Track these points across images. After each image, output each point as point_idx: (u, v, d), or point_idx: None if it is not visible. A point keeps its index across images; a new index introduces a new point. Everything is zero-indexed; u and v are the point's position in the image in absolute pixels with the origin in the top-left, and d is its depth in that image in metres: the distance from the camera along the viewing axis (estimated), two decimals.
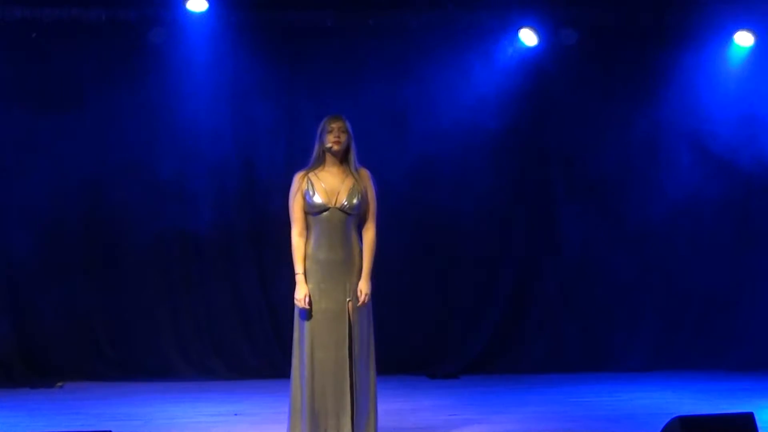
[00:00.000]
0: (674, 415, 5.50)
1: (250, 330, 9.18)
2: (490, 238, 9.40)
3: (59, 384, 8.75)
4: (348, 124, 6.28)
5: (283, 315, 7.00)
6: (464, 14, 9.06)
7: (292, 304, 6.28)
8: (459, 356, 9.32)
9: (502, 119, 9.28)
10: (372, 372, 6.31)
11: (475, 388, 8.69)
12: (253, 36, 8.93)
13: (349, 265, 6.24)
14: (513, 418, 7.47)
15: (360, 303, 6.20)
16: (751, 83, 9.43)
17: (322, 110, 6.78)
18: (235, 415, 7.63)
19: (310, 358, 6.16)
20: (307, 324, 6.20)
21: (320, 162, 6.29)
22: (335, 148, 6.24)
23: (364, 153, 6.42)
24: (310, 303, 6.19)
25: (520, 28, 9.13)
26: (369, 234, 6.32)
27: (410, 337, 9.25)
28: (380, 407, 6.43)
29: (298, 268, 6.23)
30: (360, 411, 6.19)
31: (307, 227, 6.27)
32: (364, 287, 6.23)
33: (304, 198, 6.24)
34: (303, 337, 6.21)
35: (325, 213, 6.22)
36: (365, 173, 6.33)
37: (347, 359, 6.16)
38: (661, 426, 5.53)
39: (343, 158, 6.29)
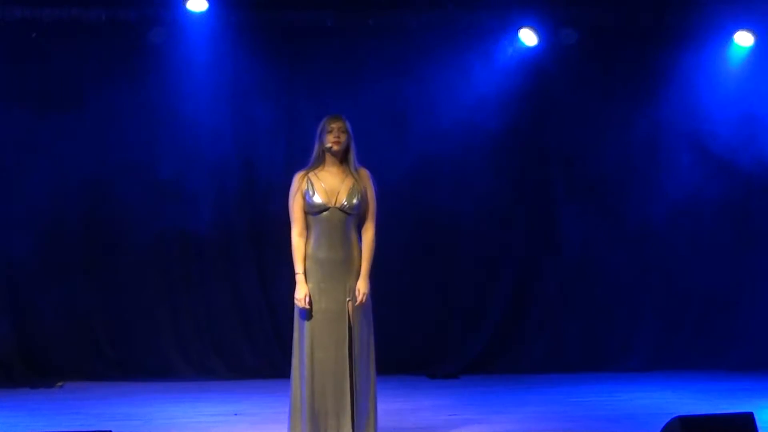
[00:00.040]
0: (674, 415, 5.50)
1: (250, 330, 9.18)
2: (490, 238, 9.39)
3: (59, 384, 8.75)
4: (348, 124, 6.28)
5: (283, 315, 7.00)
6: (464, 14, 9.06)
7: (292, 304, 6.28)
8: (459, 356, 9.32)
9: (502, 119, 9.28)
10: (372, 372, 6.31)
11: (475, 388, 8.69)
12: (253, 36, 8.93)
13: (348, 265, 6.24)
14: (513, 418, 7.47)
15: (358, 302, 6.20)
16: (751, 83, 9.43)
17: (322, 110, 6.78)
18: (235, 415, 7.63)
19: (310, 358, 6.16)
20: (307, 324, 6.20)
21: (320, 162, 6.30)
22: (335, 148, 6.25)
23: (364, 153, 6.43)
24: (310, 303, 6.19)
25: (520, 28, 9.13)
26: (368, 234, 6.32)
27: (410, 337, 9.25)
28: (380, 407, 6.43)
29: (298, 267, 6.23)
30: (360, 411, 6.19)
31: (307, 227, 6.27)
32: (362, 287, 6.23)
33: (303, 198, 6.24)
34: (303, 337, 6.21)
35: (324, 213, 6.22)
36: (365, 173, 6.33)
37: (347, 359, 6.16)
38: (661, 426, 5.53)
39: (342, 158, 6.30)
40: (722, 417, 5.57)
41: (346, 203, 6.22)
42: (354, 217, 6.27)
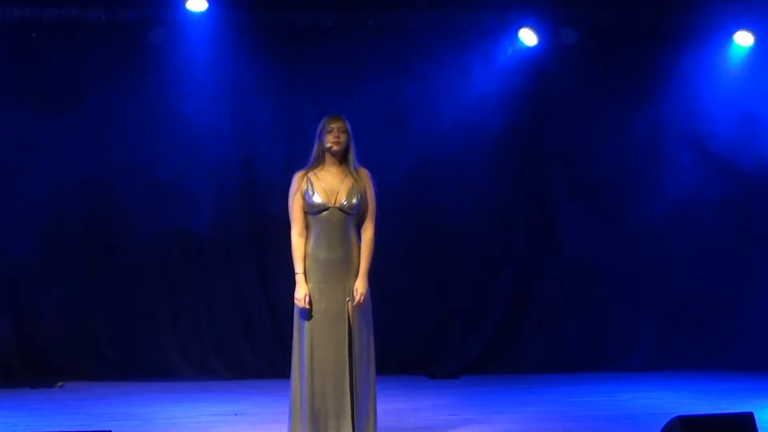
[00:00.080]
0: (674, 415, 5.50)
1: (250, 330, 9.18)
2: (490, 238, 9.39)
3: (59, 384, 8.75)
4: (347, 124, 6.28)
5: (283, 315, 7.00)
6: (464, 14, 9.06)
7: (292, 304, 6.28)
8: (459, 356, 9.32)
9: (502, 119, 9.28)
10: (372, 372, 6.32)
11: (475, 388, 8.69)
12: (253, 36, 8.93)
13: (348, 265, 6.25)
14: (513, 418, 7.47)
15: (356, 302, 6.20)
16: (751, 83, 9.43)
17: (322, 110, 6.80)
18: (235, 414, 7.63)
19: (309, 358, 6.17)
20: (306, 324, 6.20)
21: (320, 162, 6.30)
22: (335, 148, 6.25)
23: (364, 153, 6.43)
24: (310, 303, 6.19)
25: (520, 28, 9.13)
26: (367, 233, 6.32)
27: (410, 337, 9.25)
28: (380, 407, 6.43)
29: (298, 267, 6.23)
30: (360, 411, 6.19)
31: (307, 227, 6.27)
32: (360, 287, 6.23)
33: (303, 198, 6.24)
34: (303, 336, 6.22)
35: (324, 212, 6.22)
36: (364, 173, 6.33)
37: (347, 359, 6.16)
38: (661, 426, 5.53)
39: (342, 158, 6.30)
40: (722, 417, 5.57)
41: (345, 203, 6.22)
42: (353, 216, 6.28)
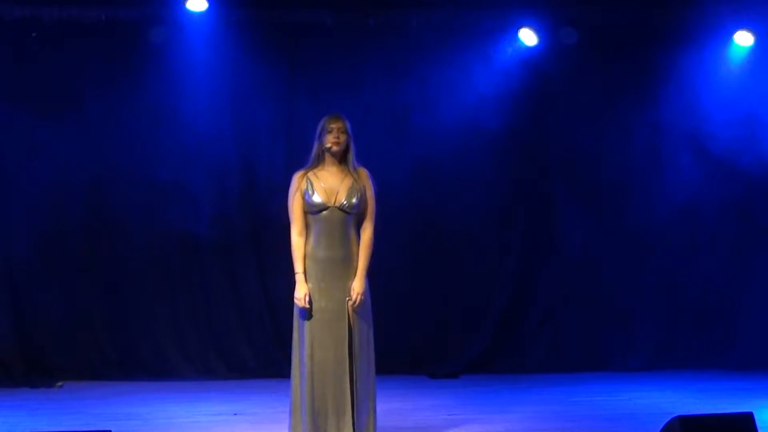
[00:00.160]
0: (674, 415, 5.50)
1: (250, 330, 9.17)
2: (490, 238, 9.39)
3: (59, 384, 8.74)
4: (347, 124, 6.28)
5: (283, 315, 6.99)
6: (464, 14, 9.06)
7: (292, 304, 6.28)
8: (459, 356, 9.32)
9: (502, 119, 9.27)
10: (372, 371, 6.32)
11: (475, 387, 8.69)
12: (253, 35, 8.93)
13: (348, 265, 6.25)
14: (513, 418, 7.47)
15: (353, 302, 6.19)
16: (751, 83, 9.43)
17: (322, 110, 6.78)
18: (235, 414, 7.63)
19: (309, 357, 6.17)
20: (306, 323, 6.20)
21: (319, 161, 6.31)
22: (334, 148, 6.25)
23: (364, 153, 6.43)
24: (310, 302, 6.19)
25: (520, 28, 9.13)
26: (366, 233, 6.32)
27: (410, 337, 9.25)
28: (381, 407, 6.43)
29: (298, 267, 6.23)
30: (360, 410, 6.19)
31: (307, 226, 6.28)
32: (357, 286, 6.22)
33: (303, 197, 6.24)
34: (303, 336, 6.22)
35: (324, 212, 6.22)
36: (364, 173, 6.34)
37: (347, 358, 6.16)
38: (661, 426, 5.53)
39: (342, 158, 6.30)
40: (722, 417, 5.57)
41: (345, 202, 6.23)
42: (353, 216, 6.28)
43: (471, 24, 9.13)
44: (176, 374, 9.00)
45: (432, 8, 9.00)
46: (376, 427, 6.33)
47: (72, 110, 8.86)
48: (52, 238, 8.88)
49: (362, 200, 6.28)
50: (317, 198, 6.22)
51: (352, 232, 6.29)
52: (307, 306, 6.19)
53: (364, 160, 6.40)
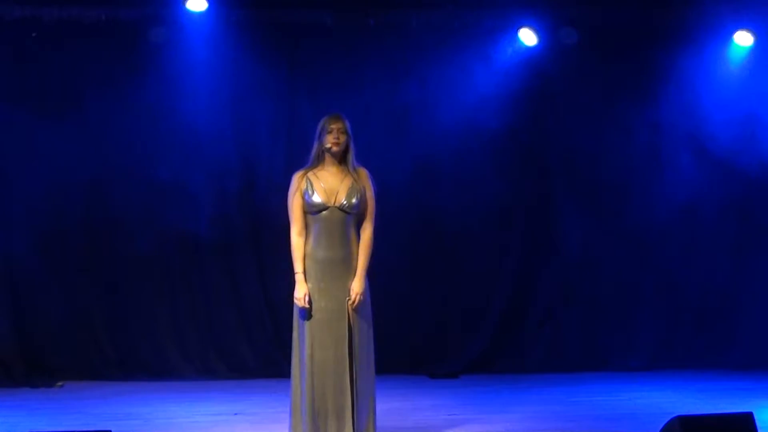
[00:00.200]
0: (674, 415, 5.50)
1: (250, 330, 9.17)
2: (490, 238, 9.39)
3: (59, 384, 8.75)
4: (347, 124, 6.28)
5: (283, 315, 7.00)
6: (464, 14, 9.06)
7: (292, 304, 6.28)
8: (459, 356, 9.32)
9: (502, 119, 9.28)
10: (372, 371, 6.32)
11: (475, 387, 8.69)
12: (253, 35, 8.93)
13: (348, 264, 6.25)
14: (513, 418, 7.47)
15: (351, 302, 6.19)
16: (751, 83, 9.43)
17: (322, 110, 6.77)
18: (235, 414, 7.63)
19: (310, 357, 6.17)
20: (306, 323, 6.21)
21: (319, 161, 6.31)
22: (334, 149, 6.25)
23: (364, 153, 6.43)
24: (309, 302, 6.19)
25: (520, 28, 9.13)
26: (366, 233, 6.32)
27: (410, 337, 9.25)
28: (381, 406, 6.44)
29: (298, 267, 6.24)
30: (360, 410, 6.19)
31: (307, 226, 6.28)
32: (356, 286, 6.22)
33: (303, 197, 6.24)
34: (303, 336, 6.22)
35: (324, 212, 6.22)
36: (364, 173, 6.34)
37: (347, 358, 6.16)
38: (661, 425, 5.53)
39: (341, 158, 6.30)
40: (722, 417, 5.57)
41: (345, 202, 6.23)
42: (353, 216, 6.28)
43: (471, 24, 9.13)
44: (176, 374, 9.00)
45: (432, 8, 9.00)
46: (376, 426, 6.33)
47: (72, 110, 8.86)
48: (52, 238, 8.88)
49: (362, 200, 6.28)
50: (317, 198, 6.22)
51: (352, 232, 6.29)
52: (307, 306, 6.19)
53: (364, 160, 6.40)
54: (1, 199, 8.85)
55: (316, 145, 6.31)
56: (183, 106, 8.95)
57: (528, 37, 9.17)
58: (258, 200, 9.07)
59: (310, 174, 6.28)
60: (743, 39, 9.25)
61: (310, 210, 6.24)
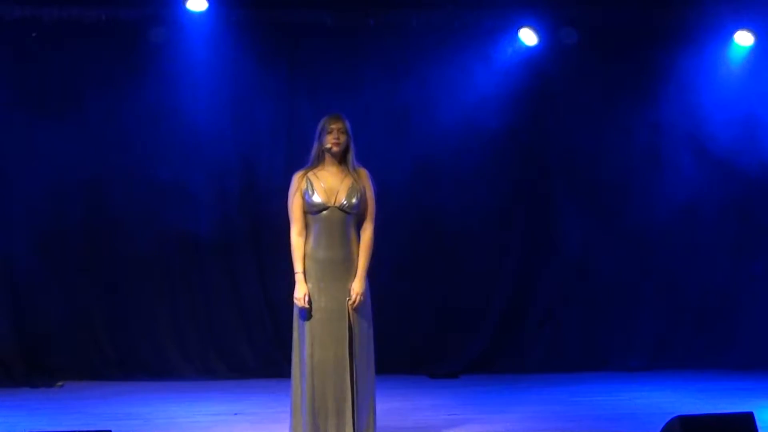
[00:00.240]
0: (674, 415, 5.50)
1: (250, 330, 9.17)
2: (489, 238, 9.39)
3: (59, 384, 8.74)
4: (347, 124, 6.28)
5: (283, 315, 7.00)
6: (464, 14, 9.06)
7: (292, 304, 6.28)
8: (459, 356, 9.32)
9: (502, 119, 9.28)
10: (372, 371, 6.32)
11: (475, 387, 8.69)
12: (253, 35, 8.93)
13: (348, 264, 6.25)
14: (513, 418, 7.47)
15: (352, 302, 6.19)
16: (751, 83, 9.43)
17: (322, 110, 6.78)
18: (235, 414, 7.63)
19: (310, 357, 6.17)
20: (307, 323, 6.21)
21: (319, 161, 6.31)
22: (334, 149, 6.25)
23: (364, 153, 6.43)
24: (309, 302, 6.19)
25: (520, 28, 9.13)
26: (366, 234, 6.32)
27: (410, 337, 9.25)
28: (381, 406, 6.44)
29: (298, 267, 6.24)
30: (360, 410, 6.19)
31: (307, 226, 6.28)
32: (357, 287, 6.22)
33: (303, 197, 6.24)
34: (303, 336, 6.22)
35: (324, 212, 6.22)
36: (364, 173, 6.34)
37: (347, 358, 6.16)
38: (661, 425, 5.53)
39: (341, 158, 6.30)
40: (722, 417, 5.57)
41: (345, 202, 6.23)
42: (353, 216, 6.28)
43: (471, 24, 9.13)
44: (176, 374, 9.00)
45: (432, 8, 9.00)
46: (376, 426, 6.33)
47: (72, 110, 8.86)
48: (52, 238, 8.88)
49: (362, 200, 6.28)
50: (317, 198, 6.22)
51: (352, 232, 6.30)
52: (307, 306, 6.19)
53: (364, 160, 6.40)
54: (1, 199, 8.85)
55: (316, 145, 6.31)
56: (183, 106, 8.95)
57: (528, 37, 9.17)
58: (258, 200, 9.07)
59: (310, 174, 6.28)
60: (743, 39, 9.26)
61: (311, 210, 6.24)
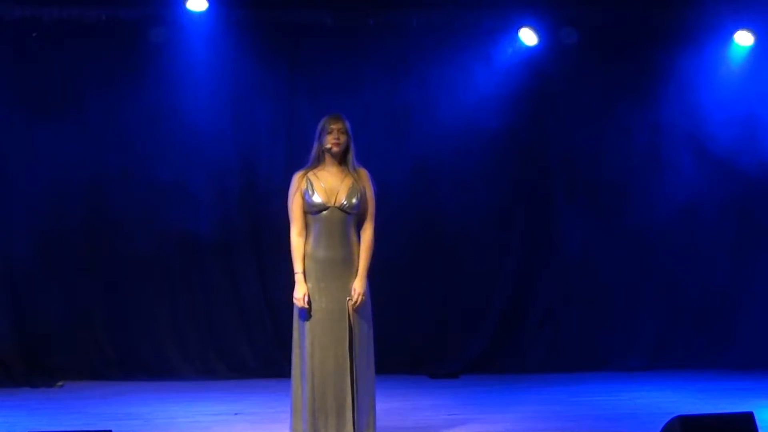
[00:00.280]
0: (674, 415, 5.50)
1: (250, 330, 9.17)
2: (489, 237, 9.39)
3: (59, 384, 8.74)
4: (347, 125, 6.28)
5: (283, 315, 7.00)
6: (464, 14, 9.06)
7: (292, 304, 6.28)
8: (459, 356, 9.32)
9: (502, 119, 9.28)
10: (372, 371, 6.32)
11: (475, 387, 8.69)
12: (253, 35, 8.93)
13: (348, 264, 6.25)
14: (513, 418, 7.47)
15: (353, 302, 6.20)
16: (751, 83, 9.43)
17: (322, 110, 6.78)
18: (235, 414, 7.63)
19: (310, 357, 6.17)
20: (307, 323, 6.21)
21: (319, 161, 6.31)
22: (335, 149, 6.25)
23: (364, 153, 6.43)
24: (309, 302, 6.19)
25: (520, 28, 9.13)
26: (366, 234, 6.32)
27: (410, 337, 9.25)
28: (381, 406, 6.44)
29: (297, 267, 6.24)
30: (360, 410, 6.20)
31: (307, 226, 6.28)
32: (358, 287, 6.23)
33: (303, 197, 6.24)
34: (303, 336, 6.22)
35: (324, 212, 6.22)
36: (364, 173, 6.34)
37: (347, 358, 6.17)
38: (662, 425, 5.53)
39: (342, 158, 6.30)
40: (722, 416, 5.57)
41: (345, 202, 6.23)
42: (354, 216, 6.28)
43: (471, 24, 9.13)
44: (176, 374, 9.00)
45: (432, 8, 9.00)
46: (376, 426, 6.33)
47: (72, 110, 8.85)
48: (52, 238, 8.88)
49: (362, 200, 6.28)
50: (317, 198, 6.22)
51: (352, 232, 6.30)
52: (306, 306, 6.19)
53: (364, 160, 6.40)
54: (1, 199, 8.84)
55: (316, 146, 6.31)
56: (183, 106, 8.95)
57: (528, 37, 9.16)
58: (258, 200, 9.07)
59: (310, 174, 6.28)
60: (743, 39, 9.25)
61: (311, 210, 6.24)
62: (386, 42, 9.09)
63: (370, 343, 6.32)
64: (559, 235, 9.47)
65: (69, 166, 8.88)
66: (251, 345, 9.16)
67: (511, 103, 9.30)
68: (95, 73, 8.89)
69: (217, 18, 8.84)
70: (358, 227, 6.33)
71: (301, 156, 6.52)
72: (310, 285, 6.22)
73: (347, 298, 6.21)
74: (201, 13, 8.76)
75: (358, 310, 6.22)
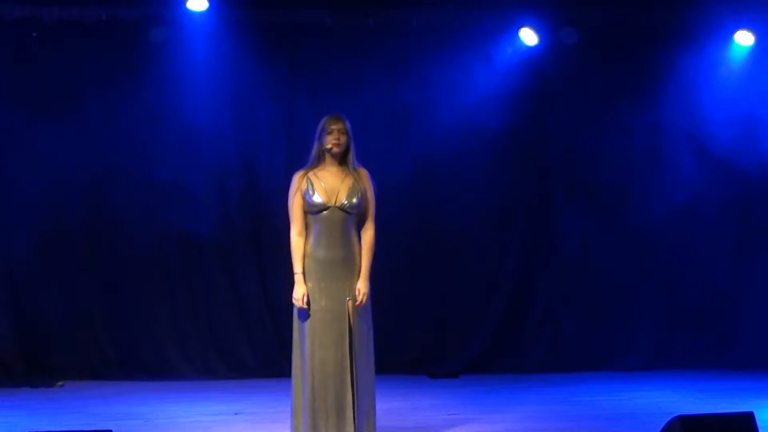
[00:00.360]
0: (674, 415, 5.50)
1: (250, 330, 9.17)
2: (489, 238, 9.39)
3: (59, 384, 8.75)
4: (348, 125, 6.28)
5: (283, 315, 7.00)
6: (464, 14, 9.06)
7: (292, 304, 6.28)
8: (459, 356, 9.32)
9: (502, 119, 9.28)
10: (372, 371, 6.32)
11: (475, 387, 8.69)
12: (253, 35, 8.93)
13: (348, 264, 6.25)
14: (513, 418, 7.47)
15: (358, 303, 6.21)
16: (751, 83, 9.43)
17: (322, 110, 6.78)
18: (235, 414, 7.63)
19: (311, 357, 6.17)
20: (307, 323, 6.21)
21: (319, 161, 6.31)
22: (335, 150, 6.26)
23: (364, 153, 6.44)
24: (308, 302, 6.20)
25: (520, 28, 9.13)
26: (368, 234, 6.33)
27: (410, 337, 9.25)
28: (381, 406, 6.44)
29: (297, 267, 6.24)
30: (360, 410, 6.20)
31: (307, 226, 6.28)
32: (362, 287, 6.24)
33: (303, 197, 6.25)
34: (303, 336, 6.22)
35: (324, 212, 6.23)
36: (364, 173, 6.34)
37: (348, 358, 6.17)
38: (662, 425, 5.53)
39: (342, 158, 6.31)
40: (722, 416, 5.57)
41: (346, 202, 6.23)
42: (354, 216, 6.28)
43: (471, 24, 9.13)
44: (176, 374, 9.00)
45: (432, 8, 9.00)
46: (376, 426, 6.34)
47: (72, 110, 8.85)
48: (52, 238, 8.88)
49: (363, 200, 6.28)
50: (318, 198, 6.22)
51: (353, 232, 6.30)
52: (305, 306, 6.19)
53: (364, 160, 6.41)
54: (1, 199, 8.84)
55: (316, 146, 6.31)
56: (183, 106, 8.96)
57: (528, 37, 9.16)
58: (258, 200, 9.07)
59: (310, 174, 6.28)
60: (743, 39, 9.25)
61: (311, 210, 6.24)
62: (386, 42, 9.09)
63: (370, 343, 6.32)
64: (559, 235, 9.47)
65: (69, 166, 8.88)
66: (251, 345, 9.16)
67: (511, 103, 9.30)
68: (95, 73, 8.89)
69: (217, 18, 8.84)
70: (359, 227, 6.34)
71: (301, 156, 6.52)
72: (310, 285, 6.22)
73: (348, 298, 6.21)
74: (201, 13, 8.76)
75: (358, 310, 6.22)
